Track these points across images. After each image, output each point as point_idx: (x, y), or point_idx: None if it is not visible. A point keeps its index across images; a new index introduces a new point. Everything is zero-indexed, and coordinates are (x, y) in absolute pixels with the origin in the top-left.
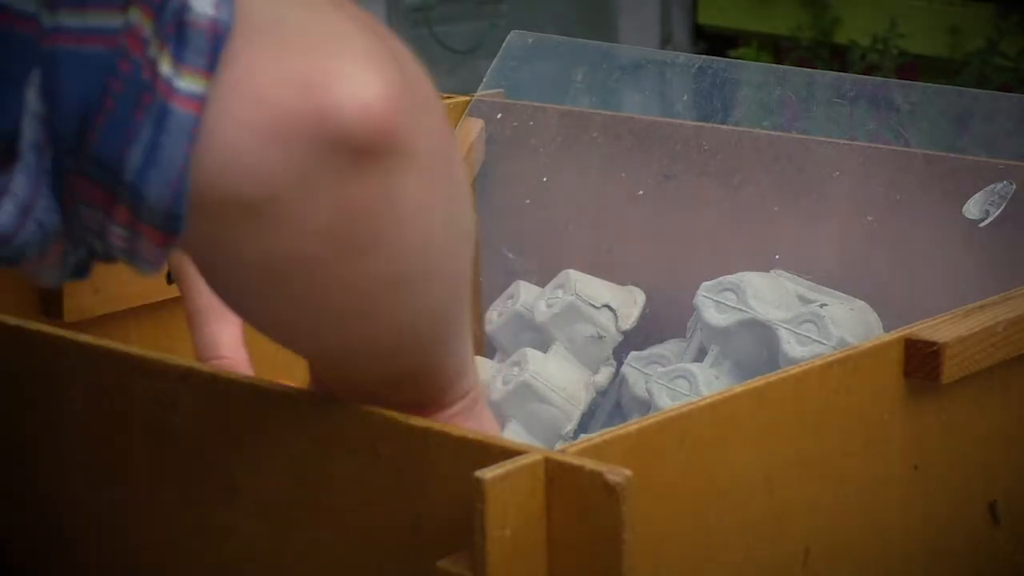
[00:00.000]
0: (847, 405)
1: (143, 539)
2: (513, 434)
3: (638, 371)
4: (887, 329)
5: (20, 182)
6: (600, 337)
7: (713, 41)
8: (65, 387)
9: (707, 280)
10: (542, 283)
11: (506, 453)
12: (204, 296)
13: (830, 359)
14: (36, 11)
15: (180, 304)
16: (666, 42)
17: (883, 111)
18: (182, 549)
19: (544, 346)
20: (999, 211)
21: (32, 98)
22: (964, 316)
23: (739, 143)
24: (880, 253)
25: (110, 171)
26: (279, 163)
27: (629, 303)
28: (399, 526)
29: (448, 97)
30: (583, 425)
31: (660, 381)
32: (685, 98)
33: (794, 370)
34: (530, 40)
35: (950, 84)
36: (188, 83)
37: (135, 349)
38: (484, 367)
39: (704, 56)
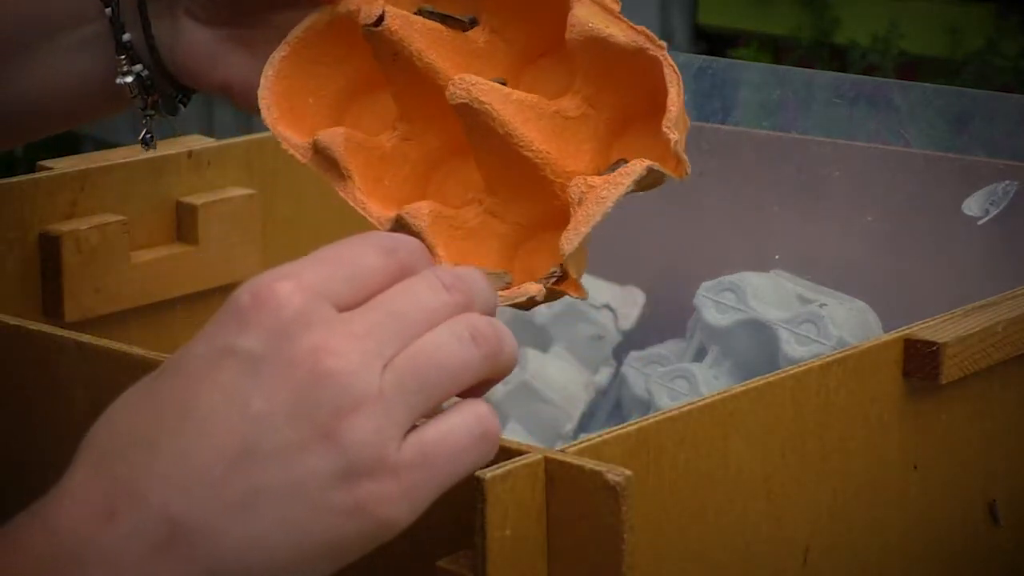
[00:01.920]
0: (847, 405)
1: None
2: (513, 434)
3: (638, 371)
4: (887, 329)
5: None
6: (600, 337)
7: (713, 41)
8: (65, 387)
9: (707, 280)
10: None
11: (506, 453)
12: None
13: (829, 359)
14: None
15: (180, 304)
16: (666, 42)
17: (883, 111)
18: None
19: (544, 346)
20: (999, 210)
21: None
22: (964, 316)
23: (739, 143)
24: (880, 253)
25: None
26: None
27: (629, 303)
28: None
29: None
30: (583, 425)
31: (660, 381)
32: (685, 98)
33: (794, 370)
34: None
35: (950, 84)
36: None
37: (135, 349)
38: None
39: (704, 56)
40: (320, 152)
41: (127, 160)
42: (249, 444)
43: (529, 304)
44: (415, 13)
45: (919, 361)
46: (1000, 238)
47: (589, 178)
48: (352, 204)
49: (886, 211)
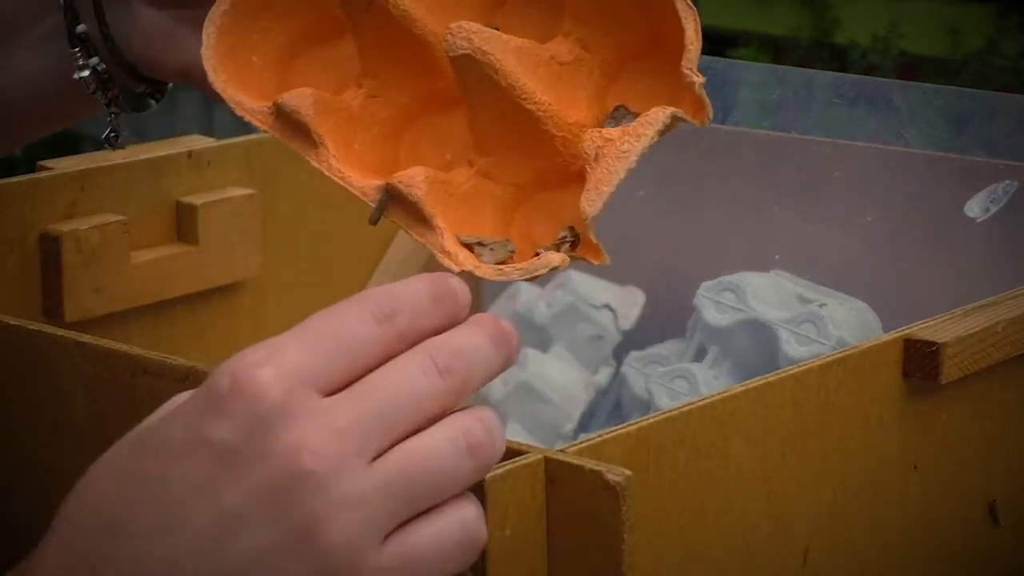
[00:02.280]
0: (846, 405)
1: None
2: (513, 434)
3: (638, 371)
4: (886, 329)
5: None
6: (600, 337)
7: (713, 41)
8: (65, 387)
9: (707, 280)
10: (542, 283)
11: (506, 453)
12: None
13: (829, 359)
14: None
15: (180, 304)
16: None
17: (883, 111)
18: None
19: (544, 346)
20: (998, 208)
21: None
22: (964, 316)
23: (739, 143)
24: (880, 253)
25: None
26: None
27: (629, 303)
28: None
29: None
30: (583, 425)
31: (660, 381)
32: None
33: (793, 370)
34: None
35: (950, 84)
36: None
37: (135, 349)
38: None
39: (704, 56)
40: (284, 117)
41: (127, 160)
42: (221, 542)
43: (547, 273)
44: None
45: (919, 361)
46: (1000, 238)
47: (604, 131)
48: (328, 173)
49: (886, 211)
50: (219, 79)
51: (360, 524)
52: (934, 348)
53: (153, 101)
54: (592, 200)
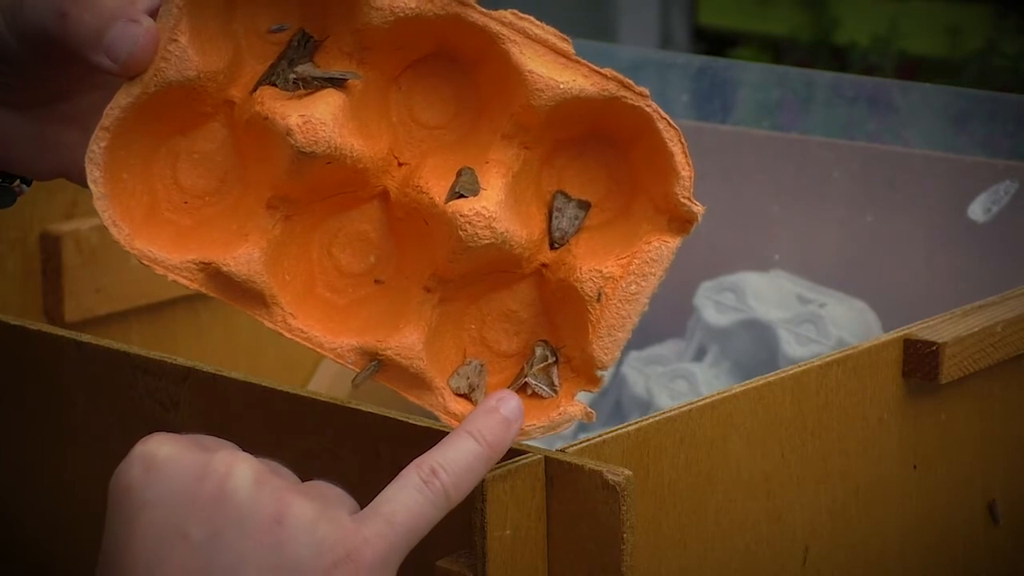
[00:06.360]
0: (846, 405)
1: None
2: None
3: (638, 371)
4: (886, 329)
5: None
6: None
7: (713, 41)
8: (65, 387)
9: (707, 280)
10: None
11: (506, 453)
12: None
13: (829, 359)
14: None
15: (180, 304)
16: (666, 42)
17: (883, 111)
18: None
19: None
20: (1000, 207)
21: None
22: (963, 316)
23: (739, 143)
24: (880, 253)
25: None
26: None
27: None
28: None
29: None
30: (583, 425)
31: (660, 381)
32: (685, 98)
33: (793, 370)
34: None
35: (950, 84)
36: None
37: (135, 349)
38: None
39: (704, 56)
40: (221, 276)
41: None
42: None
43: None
44: (294, 81)
45: (919, 361)
46: (1000, 238)
47: (604, 268)
48: (288, 336)
49: (886, 211)
50: (123, 233)
51: None
52: (934, 348)
53: (25, 185)
54: (608, 349)
